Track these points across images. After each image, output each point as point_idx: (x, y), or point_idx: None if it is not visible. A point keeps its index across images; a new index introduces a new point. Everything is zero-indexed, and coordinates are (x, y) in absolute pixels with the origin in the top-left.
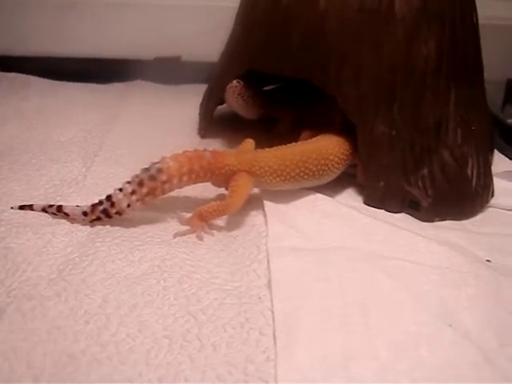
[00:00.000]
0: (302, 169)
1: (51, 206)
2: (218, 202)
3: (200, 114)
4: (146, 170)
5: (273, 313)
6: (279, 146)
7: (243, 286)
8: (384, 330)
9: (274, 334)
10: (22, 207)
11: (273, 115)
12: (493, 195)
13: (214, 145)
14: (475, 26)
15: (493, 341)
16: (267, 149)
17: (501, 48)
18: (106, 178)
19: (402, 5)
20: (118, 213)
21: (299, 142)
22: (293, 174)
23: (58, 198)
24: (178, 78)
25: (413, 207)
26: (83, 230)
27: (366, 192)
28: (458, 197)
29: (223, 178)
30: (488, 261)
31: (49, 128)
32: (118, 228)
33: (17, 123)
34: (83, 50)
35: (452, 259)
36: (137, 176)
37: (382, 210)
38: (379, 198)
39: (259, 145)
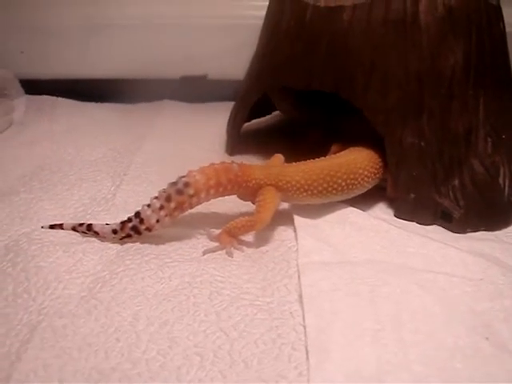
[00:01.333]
0: (331, 183)
1: (81, 224)
2: (247, 218)
3: (227, 131)
4: (173, 184)
5: (305, 328)
6: (308, 161)
7: (274, 302)
8: (418, 343)
9: (306, 349)
10: (52, 226)
11: (305, 119)
12: None
13: (240, 159)
14: (503, 34)
15: None
16: (295, 163)
17: None
18: (135, 196)
19: (426, 14)
20: (147, 229)
21: (328, 156)
22: (320, 188)
23: (88, 217)
24: (204, 96)
25: (444, 218)
26: (113, 248)
27: (396, 204)
28: (491, 207)
29: (250, 191)
30: None
31: (78, 148)
32: (147, 245)
33: (47, 144)
34: (109, 72)
35: (486, 271)
36: (164, 191)
37: (413, 223)
38: (410, 210)
39: (289, 160)
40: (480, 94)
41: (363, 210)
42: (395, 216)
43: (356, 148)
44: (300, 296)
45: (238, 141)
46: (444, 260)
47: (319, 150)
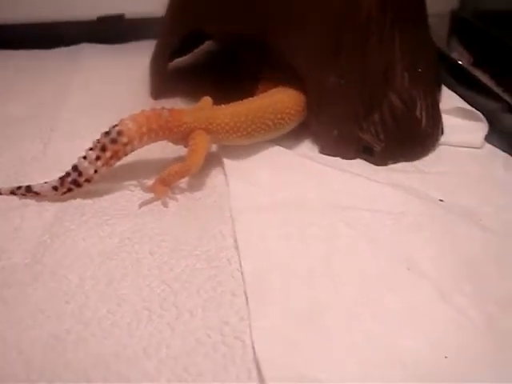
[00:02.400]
0: (258, 124)
1: (19, 187)
2: (179, 164)
3: (151, 75)
4: (107, 133)
5: (242, 274)
6: (236, 102)
7: (212, 250)
8: (347, 280)
9: (245, 295)
10: None
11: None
12: (443, 133)
13: (168, 105)
14: None
15: (449, 279)
16: (223, 106)
17: None
18: (66, 152)
19: None
20: (86, 180)
21: (255, 97)
22: (249, 129)
23: (21, 179)
24: (122, 36)
25: (366, 152)
26: (50, 210)
27: (320, 141)
28: (409, 139)
29: (181, 135)
30: (441, 201)
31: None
32: (83, 203)
33: None
34: (24, 16)
35: (407, 203)
36: (98, 141)
37: (337, 158)
38: (334, 146)
39: (217, 101)
40: (396, 30)
41: (289, 148)
42: (320, 152)
43: (281, 88)
44: (235, 241)
45: (163, 84)
46: (367, 195)
47: (247, 87)
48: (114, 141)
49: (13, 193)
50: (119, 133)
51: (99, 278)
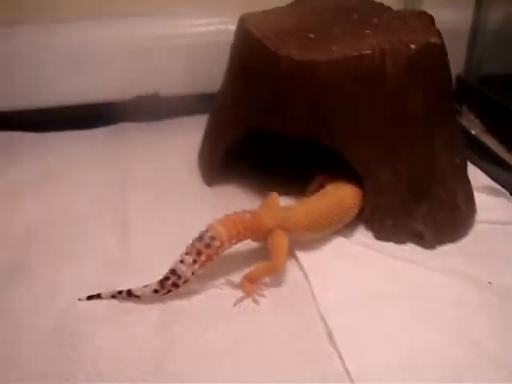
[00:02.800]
0: (328, 220)
1: (120, 292)
2: (265, 263)
3: (203, 162)
4: (200, 239)
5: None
6: (305, 201)
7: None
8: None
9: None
10: (90, 297)
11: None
12: (476, 211)
13: (224, 192)
14: (447, 68)
15: None
16: (296, 205)
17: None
18: (146, 252)
19: (392, 67)
20: (185, 282)
21: (320, 195)
22: (320, 226)
23: (110, 283)
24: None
25: (418, 237)
26: (152, 314)
27: (374, 228)
28: (453, 224)
29: (262, 235)
30: (490, 283)
31: (61, 198)
32: (182, 307)
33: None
34: (61, 98)
35: (466, 293)
36: (193, 246)
37: (391, 243)
38: (388, 233)
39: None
40: (438, 131)
41: (346, 237)
42: (375, 238)
43: (339, 184)
44: (330, 337)
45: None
46: (432, 286)
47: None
48: (207, 246)
49: (113, 297)
50: (212, 238)
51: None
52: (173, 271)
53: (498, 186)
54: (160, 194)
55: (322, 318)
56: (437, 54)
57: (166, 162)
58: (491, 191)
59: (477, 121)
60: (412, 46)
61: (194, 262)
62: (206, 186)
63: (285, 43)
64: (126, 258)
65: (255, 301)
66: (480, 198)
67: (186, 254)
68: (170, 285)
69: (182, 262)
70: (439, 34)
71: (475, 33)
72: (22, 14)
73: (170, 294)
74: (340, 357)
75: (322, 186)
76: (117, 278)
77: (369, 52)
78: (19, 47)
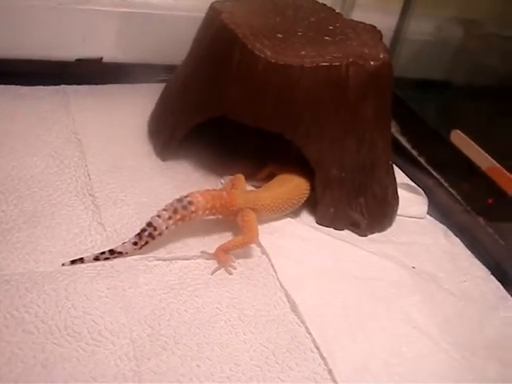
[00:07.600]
0: (289, 203)
1: (102, 252)
2: (240, 236)
3: (156, 135)
4: (179, 200)
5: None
6: (269, 185)
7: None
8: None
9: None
10: (73, 262)
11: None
12: (398, 206)
13: (177, 167)
14: (391, 84)
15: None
16: (264, 188)
17: None
18: (121, 222)
19: (354, 79)
20: (159, 234)
21: (280, 181)
22: (283, 208)
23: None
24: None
25: (354, 226)
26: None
27: (318, 215)
28: (383, 216)
29: (233, 213)
30: (413, 268)
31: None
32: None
33: None
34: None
35: (400, 273)
36: (171, 205)
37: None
38: (330, 219)
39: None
40: (380, 136)
41: (294, 218)
42: (317, 223)
43: (289, 174)
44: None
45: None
46: (372, 267)
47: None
48: (184, 207)
49: (96, 259)
50: (189, 202)
51: (213, 344)
52: (149, 223)
53: (414, 184)
54: (117, 162)
55: (286, 293)
56: (389, 70)
57: (116, 130)
58: (409, 188)
59: (394, 122)
60: (372, 62)
61: (169, 218)
62: (159, 159)
63: (261, 44)
64: (101, 226)
65: (228, 271)
66: (400, 194)
67: (164, 210)
68: (147, 235)
69: (158, 216)
70: (388, 50)
71: (397, 38)
72: None
73: (147, 245)
74: (304, 324)
75: (272, 175)
76: (96, 245)
77: (337, 64)
78: None
